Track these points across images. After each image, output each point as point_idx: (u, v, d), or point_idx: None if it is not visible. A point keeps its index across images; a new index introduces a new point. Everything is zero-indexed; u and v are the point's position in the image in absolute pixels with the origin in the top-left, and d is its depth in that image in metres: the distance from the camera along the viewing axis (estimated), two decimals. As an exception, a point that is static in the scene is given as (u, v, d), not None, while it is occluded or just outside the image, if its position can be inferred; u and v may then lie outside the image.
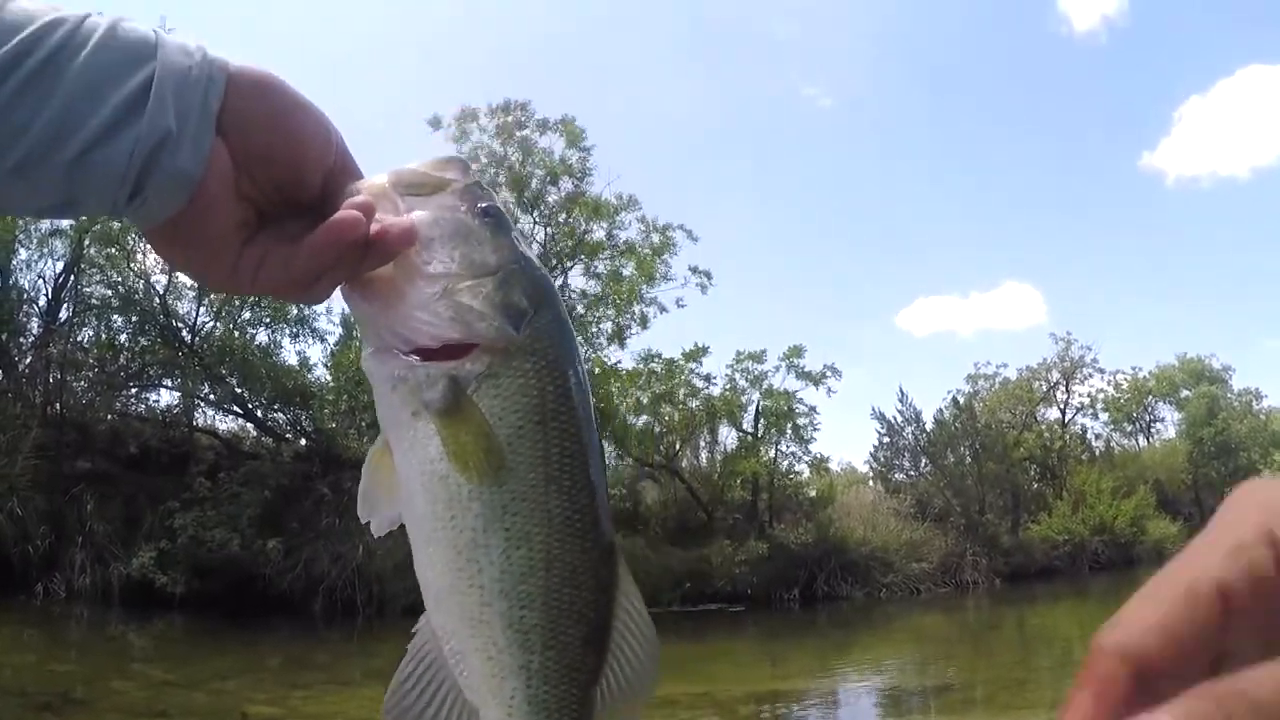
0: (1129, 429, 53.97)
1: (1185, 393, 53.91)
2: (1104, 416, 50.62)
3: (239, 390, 29.66)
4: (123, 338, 29.49)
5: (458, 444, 0.74)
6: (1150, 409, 54.60)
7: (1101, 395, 49.39)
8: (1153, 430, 55.17)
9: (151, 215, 0.76)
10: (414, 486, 0.76)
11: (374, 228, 0.76)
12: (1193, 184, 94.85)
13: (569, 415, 0.78)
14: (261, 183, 0.79)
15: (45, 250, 28.64)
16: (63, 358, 25.78)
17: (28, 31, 0.70)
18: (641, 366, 34.46)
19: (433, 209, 0.79)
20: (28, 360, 26.78)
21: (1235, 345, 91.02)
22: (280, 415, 30.51)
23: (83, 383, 26.47)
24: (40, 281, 28.88)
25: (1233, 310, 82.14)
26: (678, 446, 35.77)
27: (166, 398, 28.93)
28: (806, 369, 35.25)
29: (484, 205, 0.80)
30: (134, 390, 28.24)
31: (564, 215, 33.28)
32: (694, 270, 33.73)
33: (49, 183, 0.72)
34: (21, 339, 27.56)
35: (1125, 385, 51.62)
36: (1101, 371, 48.43)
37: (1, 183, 0.71)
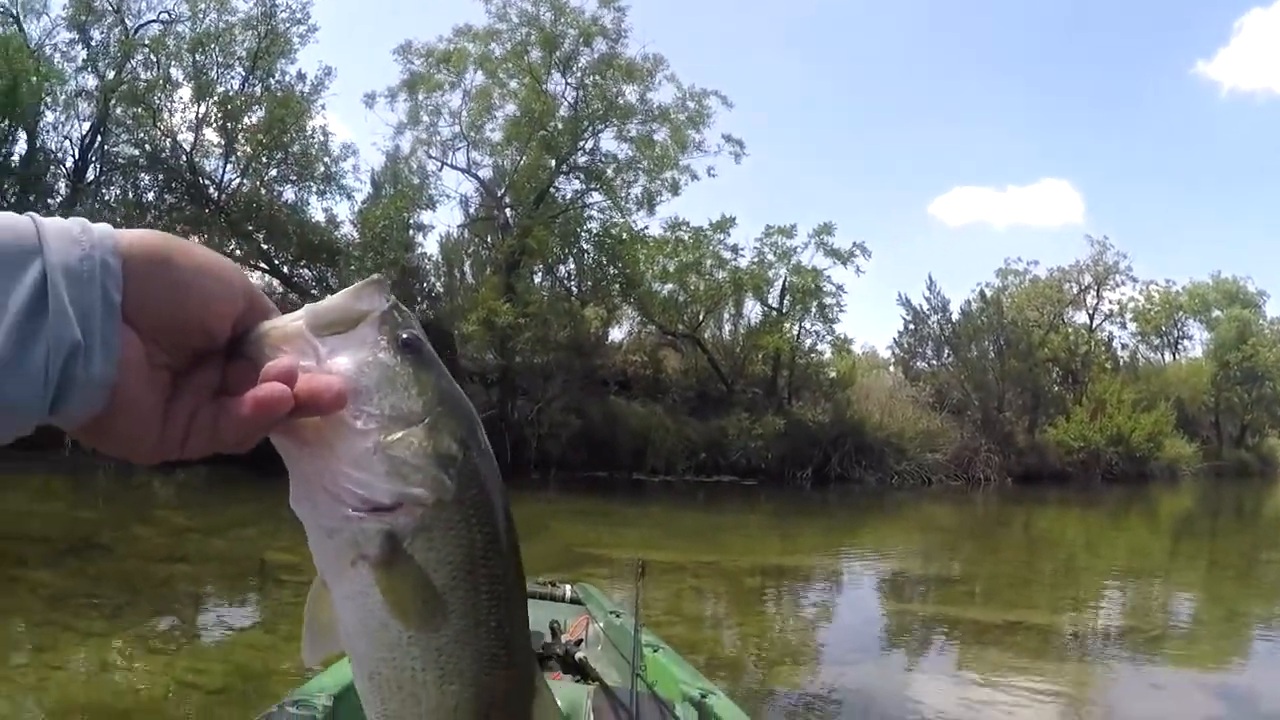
0: (1156, 342, 53.44)
1: (1217, 313, 52.87)
2: (1132, 327, 50.27)
3: (265, 247, 29.71)
4: (150, 196, 29.62)
5: (395, 596, 0.77)
6: (1180, 325, 53.87)
7: (1132, 304, 49.01)
8: (1180, 347, 54.56)
9: (71, 421, 0.71)
10: (354, 629, 0.79)
11: (301, 390, 0.73)
12: (1247, 99, 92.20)
13: (496, 558, 0.81)
14: (172, 350, 0.76)
15: (72, 112, 28.48)
16: (90, 217, 25.63)
17: None
18: (669, 235, 34.33)
19: (354, 353, 0.78)
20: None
21: (1273, 270, 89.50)
22: (306, 272, 30.62)
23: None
24: (67, 143, 28.84)
25: (1274, 234, 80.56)
26: (701, 316, 35.75)
27: (194, 253, 28.85)
28: (835, 247, 35.07)
29: (404, 337, 0.79)
30: (161, 246, 28.18)
31: (596, 77, 32.49)
32: (727, 139, 33.15)
33: None
34: (49, 200, 27.39)
35: (1156, 297, 51.04)
36: (1134, 280, 48.07)
37: None
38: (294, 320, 0.79)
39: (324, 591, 0.81)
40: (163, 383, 0.76)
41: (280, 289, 28.82)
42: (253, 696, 6.40)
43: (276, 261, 29.76)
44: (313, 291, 29.09)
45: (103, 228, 0.73)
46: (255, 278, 28.29)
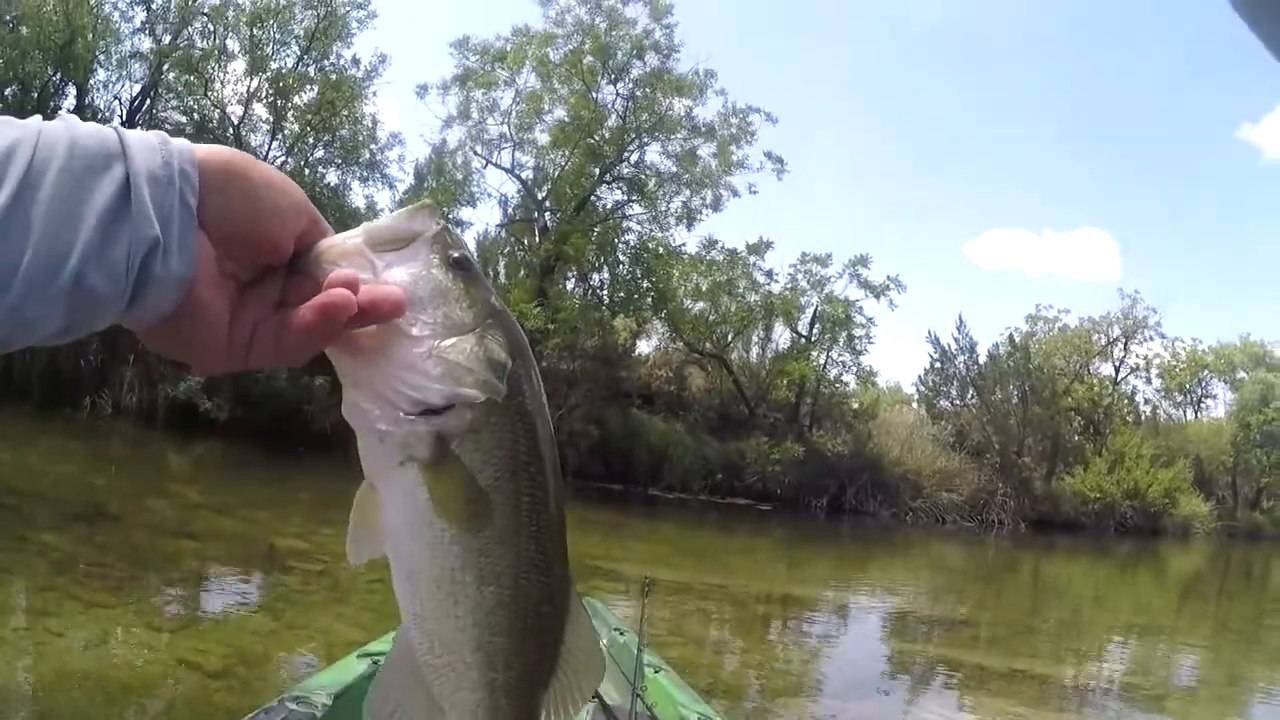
0: (1179, 399, 52.92)
1: (1241, 375, 52.44)
2: (1156, 382, 49.91)
3: None
4: (194, 165, 29.60)
5: (442, 495, 0.80)
6: (1204, 384, 53.36)
7: (1158, 360, 48.62)
8: (1202, 405, 53.96)
9: (145, 319, 0.76)
10: (400, 528, 0.82)
11: (363, 298, 0.78)
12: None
13: (538, 465, 0.85)
14: (240, 260, 0.80)
15: (124, 72, 28.61)
16: None
17: None
18: (704, 253, 34.33)
19: (409, 267, 0.82)
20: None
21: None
22: None
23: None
24: (116, 103, 28.89)
25: (1304, 303, 79.56)
26: (730, 337, 35.67)
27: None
28: (869, 279, 34.88)
29: (455, 256, 0.84)
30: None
31: (646, 89, 32.59)
32: (769, 156, 33.20)
33: (50, 314, 0.70)
34: (94, 161, 27.53)
35: (1183, 355, 50.56)
36: (1162, 337, 47.58)
37: (14, 314, 0.68)
38: (352, 238, 0.84)
39: (371, 494, 0.84)
40: (230, 291, 0.80)
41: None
42: (253, 682, 6.40)
43: (314, 245, 29.68)
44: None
45: (180, 141, 0.77)
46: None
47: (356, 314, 0.78)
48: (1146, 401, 49.65)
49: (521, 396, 0.84)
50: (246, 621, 8.44)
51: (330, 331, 0.78)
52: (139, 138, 0.74)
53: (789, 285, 35.38)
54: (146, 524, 11.61)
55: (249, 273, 0.82)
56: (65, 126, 0.72)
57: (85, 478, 12.84)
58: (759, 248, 34.78)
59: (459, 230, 32.55)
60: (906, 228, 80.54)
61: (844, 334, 35.16)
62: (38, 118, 0.72)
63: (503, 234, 34.37)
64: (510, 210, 34.20)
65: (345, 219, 29.36)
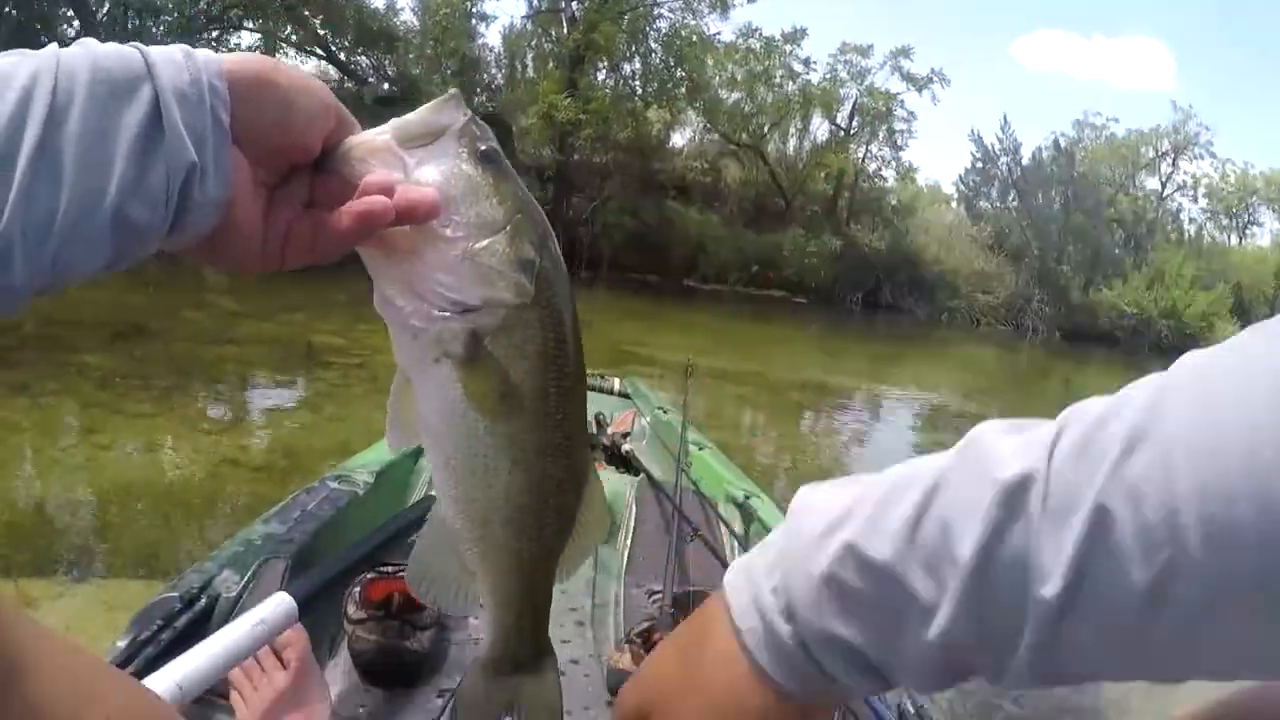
0: (1224, 223, 51.41)
1: (1291, 204, 51.18)
2: (1203, 202, 48.51)
3: (321, 33, 28.62)
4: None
5: (476, 390, 0.83)
6: (1251, 210, 51.68)
7: (1206, 180, 47.27)
8: (1248, 232, 52.46)
9: (184, 241, 0.75)
10: (435, 421, 0.86)
11: (400, 202, 0.77)
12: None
13: (564, 356, 0.86)
14: (272, 168, 0.79)
15: None
16: (140, 2, 24.74)
17: (11, 106, 0.64)
18: (740, 41, 33.49)
19: (439, 164, 0.82)
20: (105, 9, 25.41)
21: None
22: (363, 59, 29.68)
23: (161, 28, 25.21)
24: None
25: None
26: (766, 129, 35.02)
27: (248, 39, 27.69)
28: (912, 71, 34.18)
29: (483, 149, 0.83)
30: (215, 33, 26.83)
31: None
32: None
33: (93, 254, 0.68)
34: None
35: (1232, 178, 48.93)
36: (1213, 156, 46.44)
37: (56, 263, 0.66)
38: (380, 134, 0.82)
39: (407, 386, 0.86)
40: (262, 199, 0.78)
41: (336, 76, 28.18)
42: (294, 473, 6.56)
43: (333, 48, 28.84)
44: (369, 80, 28.63)
45: (205, 53, 0.72)
46: (310, 65, 27.47)
47: (393, 218, 0.77)
48: (1191, 221, 48.66)
49: (551, 290, 0.84)
50: (287, 417, 8.63)
51: (366, 236, 0.78)
52: (163, 54, 0.71)
53: (828, 76, 34.60)
54: (185, 335, 11.81)
55: (276, 177, 0.80)
56: (84, 51, 0.67)
57: (122, 299, 12.83)
58: (795, 36, 33.70)
59: (480, 40, 31.87)
60: (952, 21, 77.85)
61: (884, 127, 34.71)
62: (54, 46, 0.68)
63: (529, 25, 33.26)
64: (536, 1, 32.97)
65: (364, 20, 28.36)
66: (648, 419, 5.12)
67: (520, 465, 0.87)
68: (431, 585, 0.94)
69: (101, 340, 10.46)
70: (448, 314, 0.81)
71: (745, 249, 30.80)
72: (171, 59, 0.70)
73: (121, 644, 1.81)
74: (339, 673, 2.11)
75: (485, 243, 0.81)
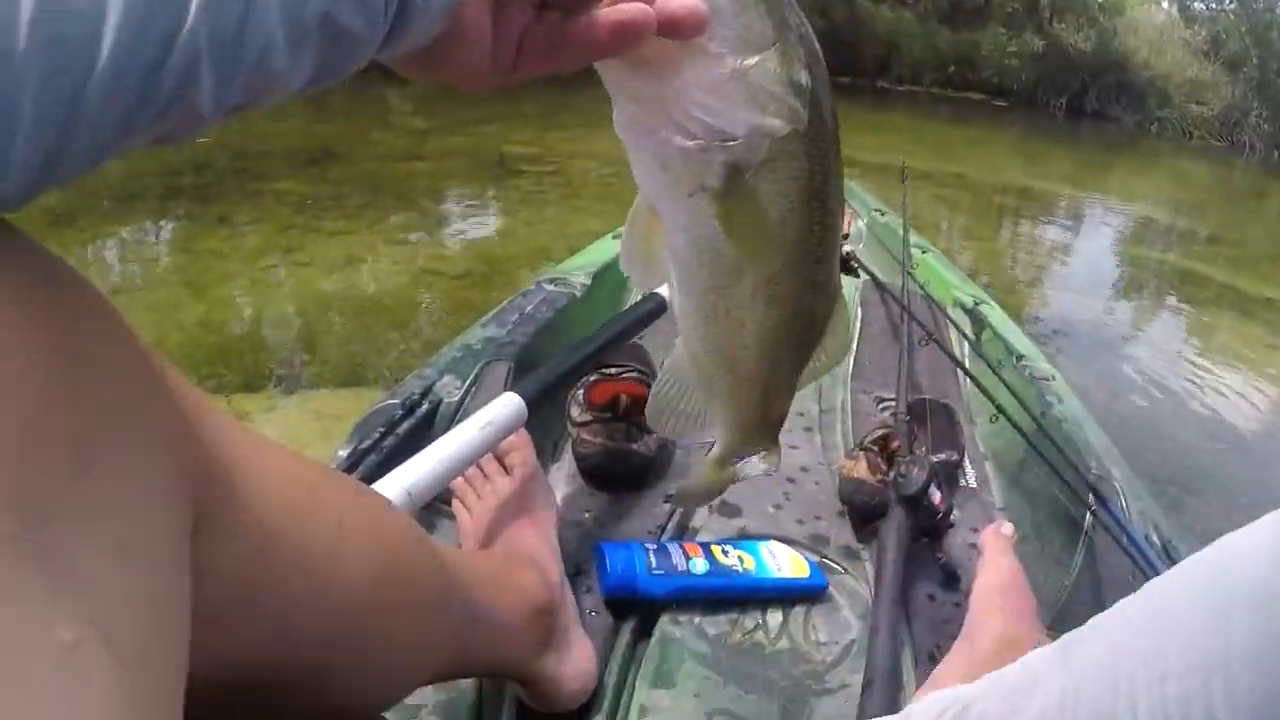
0: None
1: None
2: None
3: None
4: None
5: (735, 226, 0.78)
6: None
7: None
8: None
9: (400, 51, 0.64)
10: (686, 259, 0.81)
11: (663, 13, 0.66)
12: None
13: (828, 192, 0.81)
14: None
15: None
16: None
17: None
18: None
19: None
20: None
21: None
22: None
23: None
24: None
25: None
26: (963, -83, 33.18)
27: None
28: None
29: None
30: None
31: None
32: None
33: (294, 67, 0.57)
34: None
35: None
36: None
37: (250, 79, 0.54)
38: None
39: (653, 220, 0.81)
40: (491, 5, 0.68)
41: None
42: (495, 279, 6.58)
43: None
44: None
45: None
46: None
47: (654, 30, 0.68)
48: None
49: (820, 119, 0.77)
50: (484, 226, 8.67)
51: (619, 49, 0.69)
52: None
53: None
54: (376, 155, 11.78)
55: None
56: None
57: (310, 128, 13.05)
58: None
59: None
60: None
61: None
62: None
63: None
64: None
65: None
66: (864, 220, 4.89)
67: (777, 304, 0.84)
68: (672, 419, 0.95)
69: (293, 167, 10.57)
70: (707, 143, 0.73)
71: (940, 48, 29.76)
72: None
73: (343, 452, 1.79)
74: (562, 475, 2.08)
75: (755, 60, 0.72)
